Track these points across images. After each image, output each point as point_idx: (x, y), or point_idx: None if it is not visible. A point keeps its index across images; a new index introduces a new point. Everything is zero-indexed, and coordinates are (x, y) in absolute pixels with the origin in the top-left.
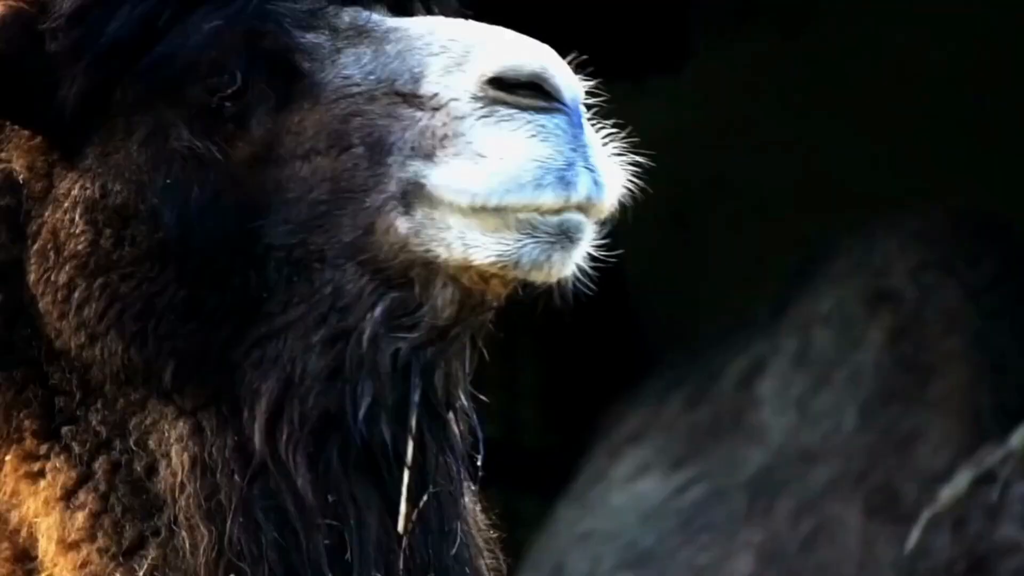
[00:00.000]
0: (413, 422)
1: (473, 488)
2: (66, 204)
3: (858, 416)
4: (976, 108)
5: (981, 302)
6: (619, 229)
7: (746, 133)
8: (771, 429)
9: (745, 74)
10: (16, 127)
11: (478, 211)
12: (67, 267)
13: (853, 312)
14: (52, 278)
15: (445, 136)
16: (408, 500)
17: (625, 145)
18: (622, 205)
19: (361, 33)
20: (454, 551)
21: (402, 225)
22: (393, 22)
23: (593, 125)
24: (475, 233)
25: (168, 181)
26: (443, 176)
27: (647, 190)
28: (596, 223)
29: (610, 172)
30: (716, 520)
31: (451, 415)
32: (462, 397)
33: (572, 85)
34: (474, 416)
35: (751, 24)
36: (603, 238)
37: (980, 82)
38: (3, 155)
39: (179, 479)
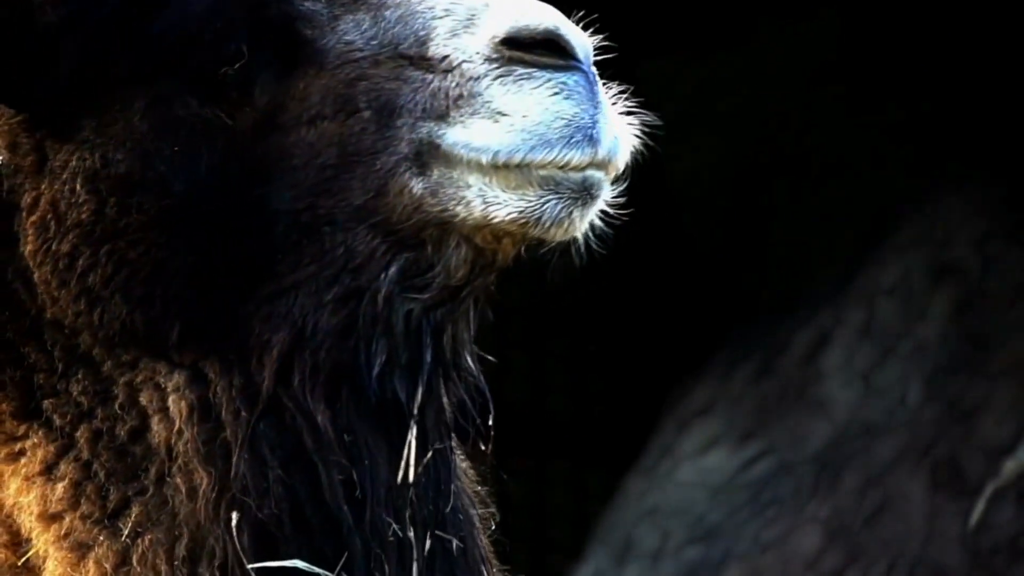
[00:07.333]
0: (425, 381)
1: (461, 451)
2: (64, 176)
3: (923, 389)
4: None
5: None
6: (686, 200)
7: (811, 105)
8: (836, 402)
9: (809, 48)
10: None
11: (500, 168)
12: (70, 236)
13: (917, 284)
14: (53, 248)
15: (460, 96)
16: (414, 453)
17: (631, 105)
18: (691, 175)
19: (356, 0)
20: (449, 507)
21: (417, 186)
22: None
23: (604, 84)
24: (496, 190)
25: (176, 149)
26: (461, 135)
27: (715, 161)
28: (611, 181)
29: (624, 131)
30: (783, 495)
31: (455, 376)
32: (468, 359)
33: (585, 43)
34: (481, 378)
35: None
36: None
37: None
38: None
39: (176, 427)
